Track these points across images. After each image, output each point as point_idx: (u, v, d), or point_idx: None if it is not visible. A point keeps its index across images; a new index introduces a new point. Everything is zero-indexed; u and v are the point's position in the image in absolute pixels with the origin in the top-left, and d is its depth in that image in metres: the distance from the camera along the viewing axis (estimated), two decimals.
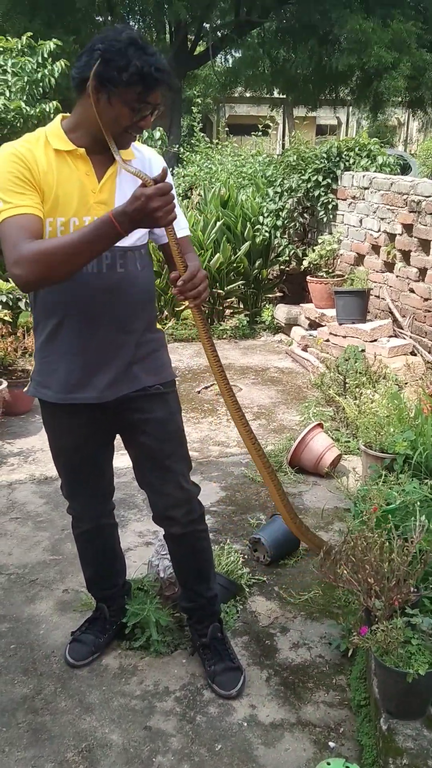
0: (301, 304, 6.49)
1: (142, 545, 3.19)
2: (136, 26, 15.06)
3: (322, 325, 5.90)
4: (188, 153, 9.57)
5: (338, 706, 2.29)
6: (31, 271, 1.68)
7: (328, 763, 1.88)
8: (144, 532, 3.30)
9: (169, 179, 1.77)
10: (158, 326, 2.24)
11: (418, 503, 2.44)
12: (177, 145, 11.11)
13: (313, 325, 6.16)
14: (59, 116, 1.99)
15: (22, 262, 1.68)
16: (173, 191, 1.69)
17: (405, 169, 12.75)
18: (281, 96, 16.66)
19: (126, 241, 1.95)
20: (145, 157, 2.03)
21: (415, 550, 2.14)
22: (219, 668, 2.33)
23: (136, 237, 2.00)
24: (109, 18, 13.90)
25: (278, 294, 7.26)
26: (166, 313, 6.64)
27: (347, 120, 25.00)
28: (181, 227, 2.06)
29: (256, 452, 2.16)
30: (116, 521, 2.54)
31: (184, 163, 9.55)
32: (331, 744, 2.14)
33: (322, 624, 2.67)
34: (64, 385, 2.07)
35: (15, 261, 1.69)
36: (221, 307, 6.85)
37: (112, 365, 2.05)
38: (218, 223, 6.54)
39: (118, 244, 1.92)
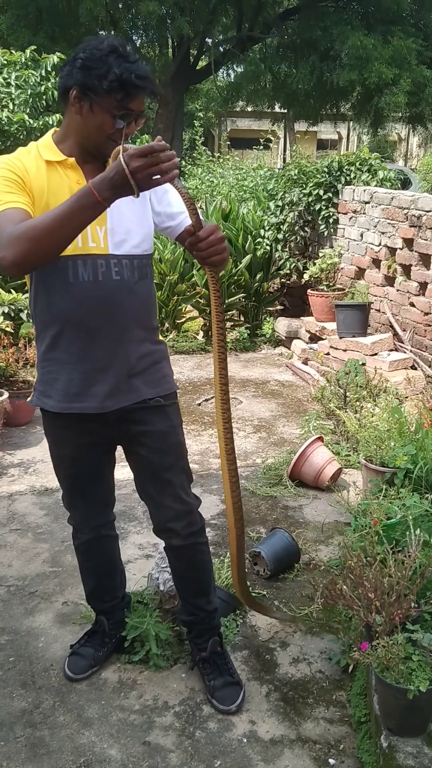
0: (301, 318, 6.51)
1: (142, 558, 3.18)
2: (139, 41, 15.22)
3: (323, 339, 5.91)
4: (190, 166, 9.62)
5: (338, 723, 2.28)
6: (16, 250, 1.64)
7: None
8: (144, 545, 3.30)
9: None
10: (160, 338, 2.24)
11: (414, 517, 2.43)
12: (179, 159, 11.17)
13: (314, 338, 6.17)
14: (51, 130, 2.03)
15: (7, 242, 1.66)
16: (165, 154, 1.55)
17: (405, 184, 12.82)
18: (282, 110, 16.78)
19: (121, 249, 1.97)
20: None
21: (415, 565, 2.14)
22: (218, 683, 2.31)
23: (132, 245, 1.99)
24: (113, 32, 14.02)
25: (279, 307, 7.28)
26: (167, 325, 6.65)
27: (348, 134, 25.18)
28: (185, 215, 1.99)
29: (230, 488, 2.07)
30: (117, 533, 2.54)
31: (186, 176, 9.60)
32: (331, 761, 2.13)
33: (323, 639, 2.66)
34: (65, 394, 2.07)
35: (1, 245, 1.67)
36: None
37: (110, 375, 2.05)
38: None
39: (112, 251, 1.93)
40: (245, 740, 2.20)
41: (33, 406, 4.77)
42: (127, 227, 1.98)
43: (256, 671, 2.49)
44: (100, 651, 2.48)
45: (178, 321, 6.77)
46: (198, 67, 15.72)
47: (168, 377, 2.22)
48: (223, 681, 2.33)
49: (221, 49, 15.45)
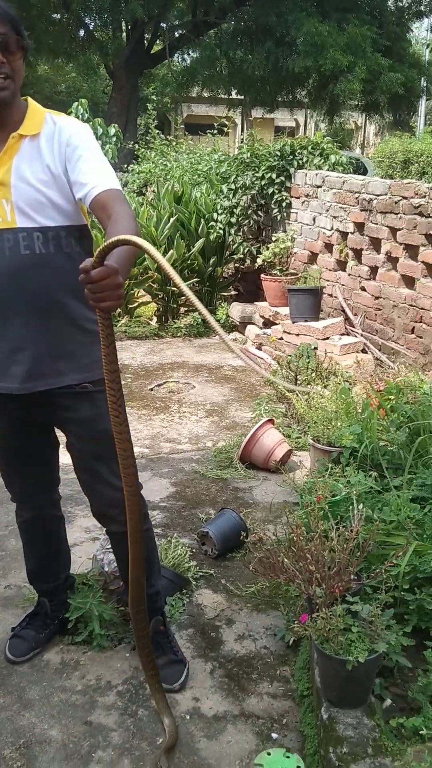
0: (255, 303, 6.51)
1: (89, 540, 3.15)
2: (93, 24, 14.97)
3: (276, 324, 5.92)
4: (144, 150, 9.52)
5: (282, 697, 2.29)
6: None
7: (269, 753, 1.87)
8: (91, 528, 3.26)
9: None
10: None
11: (358, 494, 2.45)
12: (132, 143, 11.05)
13: (268, 323, 6.18)
14: None
15: None
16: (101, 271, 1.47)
17: (361, 171, 12.92)
18: (239, 97, 16.71)
19: (30, 222, 1.89)
20: (55, 127, 1.94)
21: (357, 539, 2.15)
22: (162, 662, 2.30)
23: (44, 216, 1.91)
24: (65, 15, 13.78)
25: (233, 292, 7.27)
26: (119, 309, 6.57)
27: (305, 122, 25.20)
28: (95, 184, 1.88)
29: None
30: (62, 514, 2.50)
31: (140, 160, 9.51)
32: (274, 735, 2.13)
33: (268, 615, 2.67)
34: None
35: None
36: (175, 305, 6.82)
37: (27, 356, 1.98)
38: (172, 219, 6.51)
39: (21, 224, 1.87)
40: (188, 717, 2.19)
41: None
42: (36, 199, 1.90)
43: (201, 649, 2.48)
44: (42, 633, 2.44)
45: (131, 306, 6.71)
46: (153, 52, 15.55)
47: (100, 362, 2.14)
48: (167, 659, 2.32)
49: (176, 34, 15.31)
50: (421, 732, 1.79)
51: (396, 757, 1.80)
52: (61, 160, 1.90)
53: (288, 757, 1.86)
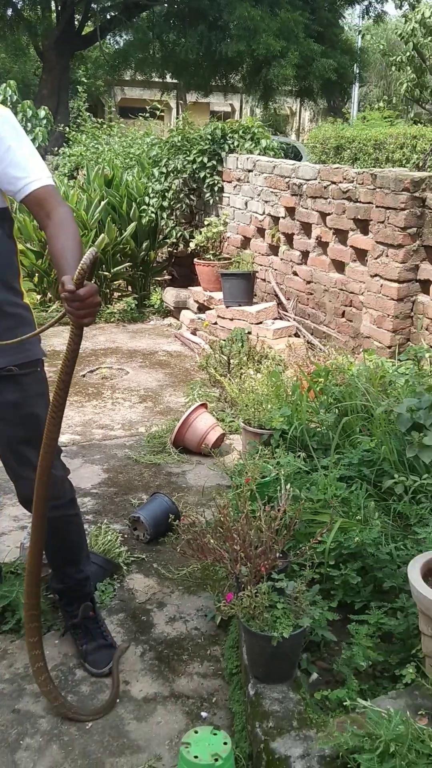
0: (189, 287, 6.50)
1: (17, 529, 3.10)
2: (20, 2, 14.58)
3: (210, 308, 5.93)
4: (75, 133, 9.36)
5: (212, 677, 2.31)
6: None
7: (196, 731, 1.89)
8: (20, 516, 3.21)
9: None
10: (25, 301, 2.14)
11: (285, 474, 2.48)
12: (63, 125, 10.83)
13: (202, 308, 6.18)
14: None
15: None
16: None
17: (296, 157, 13.01)
18: (173, 80, 16.56)
19: None
20: None
21: (284, 519, 2.18)
22: (91, 647, 2.29)
23: None
24: None
25: (167, 277, 7.23)
26: (49, 295, 6.47)
27: (240, 107, 25.20)
28: (30, 179, 1.90)
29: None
30: None
31: (71, 143, 9.34)
32: (204, 714, 2.16)
33: (200, 597, 2.68)
34: None
35: None
36: (108, 290, 6.74)
37: None
38: (102, 203, 6.42)
39: None
40: (118, 700, 2.19)
41: None
42: None
43: (132, 633, 2.48)
44: None
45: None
46: (84, 33, 15.23)
47: (27, 344, 2.09)
48: (96, 644, 2.31)
49: (107, 15, 15.03)
50: (344, 703, 1.83)
51: (320, 729, 1.84)
52: None
53: (215, 734, 1.87)
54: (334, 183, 4.71)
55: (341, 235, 4.75)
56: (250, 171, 5.80)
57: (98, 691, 2.22)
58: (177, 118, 20.53)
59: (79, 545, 2.35)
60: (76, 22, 14.80)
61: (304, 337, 5.09)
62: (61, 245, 1.81)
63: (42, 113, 9.06)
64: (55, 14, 14.67)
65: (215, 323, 5.71)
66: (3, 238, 1.99)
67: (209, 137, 6.11)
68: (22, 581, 2.45)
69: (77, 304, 1.60)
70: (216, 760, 1.79)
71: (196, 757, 1.79)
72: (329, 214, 4.80)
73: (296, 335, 5.19)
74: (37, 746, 2.02)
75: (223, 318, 5.59)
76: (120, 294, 6.90)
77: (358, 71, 15.89)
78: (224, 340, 5.07)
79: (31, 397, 2.10)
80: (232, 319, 5.46)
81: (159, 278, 7.17)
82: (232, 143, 6.10)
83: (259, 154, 6.00)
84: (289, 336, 5.16)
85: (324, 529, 2.24)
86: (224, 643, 2.44)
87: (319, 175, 4.88)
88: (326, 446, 3.02)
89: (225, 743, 1.84)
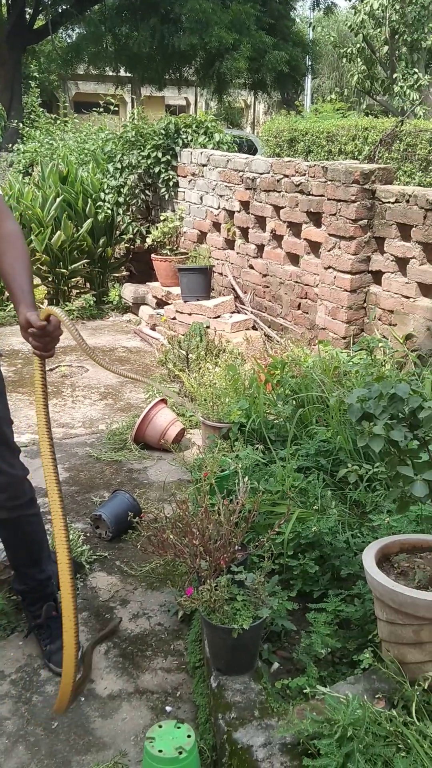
0: (148, 283, 6.48)
1: None
2: None
3: (169, 303, 5.92)
4: (29, 129, 9.24)
5: (176, 671, 2.33)
6: None
7: (160, 726, 1.90)
8: None
9: None
10: None
11: (243, 467, 2.51)
12: (16, 121, 10.69)
13: (161, 303, 6.17)
14: None
15: None
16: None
17: (251, 150, 13.04)
18: (127, 74, 16.44)
19: None
20: None
21: (242, 511, 2.21)
22: (54, 647, 2.29)
23: None
24: None
25: (125, 273, 7.20)
26: (6, 294, 6.40)
27: (195, 101, 25.12)
28: None
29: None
30: None
31: (25, 139, 9.22)
32: (168, 708, 2.18)
33: (162, 592, 2.70)
34: None
35: None
36: (66, 287, 6.69)
37: None
38: (58, 200, 6.36)
39: None
40: (83, 699, 2.20)
41: None
42: None
43: (96, 631, 2.49)
44: None
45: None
46: (36, 27, 15.02)
47: None
48: (60, 644, 2.30)
49: (59, 9, 14.85)
50: (305, 691, 1.87)
51: (281, 717, 1.87)
52: None
53: (179, 727, 1.90)
54: (286, 176, 4.75)
55: (295, 228, 4.79)
56: (204, 165, 5.81)
57: None
58: (132, 111, 20.44)
59: (40, 545, 2.35)
60: (27, 16, 14.59)
61: (261, 329, 5.13)
62: (10, 264, 1.88)
63: None
64: (5, 8, 14.43)
65: (174, 318, 5.72)
66: None
67: (163, 132, 6.10)
68: None
69: (46, 339, 1.81)
70: (180, 753, 1.81)
71: (160, 751, 1.81)
72: (283, 207, 4.84)
73: (254, 328, 5.23)
74: (3, 748, 2.02)
75: (182, 313, 5.59)
76: (78, 291, 6.85)
77: (310, 63, 15.98)
78: (183, 335, 5.08)
79: None
80: (190, 314, 5.47)
81: (117, 274, 7.14)
82: (186, 138, 6.09)
83: (212, 149, 6.01)
84: (247, 329, 5.20)
85: (282, 520, 2.27)
86: (187, 637, 2.46)
87: (272, 168, 4.91)
88: (284, 438, 3.07)
89: (189, 736, 1.86)
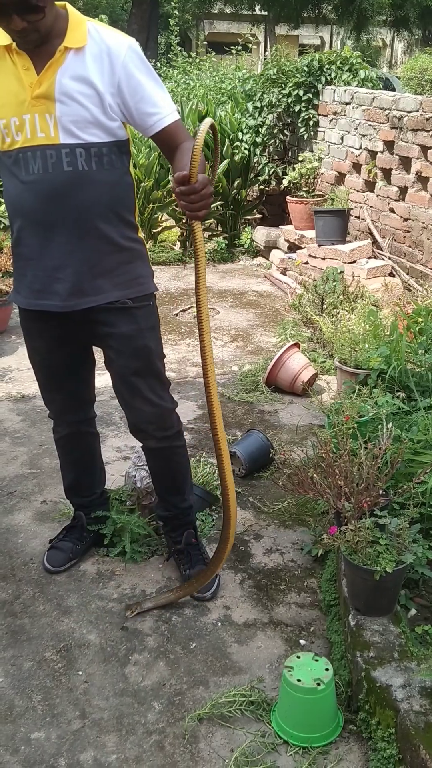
0: (280, 226, 6.40)
1: (120, 459, 3.22)
2: None
3: (302, 248, 5.84)
4: (165, 68, 9.22)
5: (309, 607, 2.37)
6: None
7: (298, 657, 1.95)
8: (122, 447, 3.33)
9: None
10: (139, 235, 2.16)
11: (386, 414, 2.46)
12: (153, 60, 10.69)
13: (293, 247, 6.09)
14: None
15: None
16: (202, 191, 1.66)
17: (388, 89, 12.43)
18: (262, 13, 16.01)
19: (73, 138, 1.87)
20: (103, 43, 1.87)
21: (385, 457, 2.18)
22: (193, 572, 2.38)
23: (88, 133, 1.88)
24: None
25: (258, 216, 7.14)
26: (143, 234, 6.51)
27: (331, 40, 24.15)
28: (162, 115, 1.92)
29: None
30: (97, 431, 2.55)
31: (162, 78, 9.22)
32: (302, 641, 2.22)
33: (295, 531, 2.73)
34: (30, 291, 2.06)
35: None
36: None
37: (70, 273, 2.00)
38: None
39: (63, 140, 1.86)
40: (219, 624, 2.28)
41: (6, 316, 4.71)
42: (80, 115, 1.86)
43: (231, 561, 2.56)
44: (79, 545, 2.53)
45: (154, 231, 6.63)
46: None
47: (141, 278, 2.14)
48: (198, 570, 2.40)
49: None
50: None
51: (421, 662, 1.87)
52: (113, 82, 1.86)
53: (317, 660, 1.94)
54: None
55: None
56: (347, 104, 5.60)
57: (200, 614, 2.32)
58: (265, 52, 19.92)
59: (185, 475, 2.43)
60: None
61: (399, 276, 4.97)
62: (179, 160, 1.88)
63: None
64: None
65: (306, 263, 5.63)
66: (123, 171, 2.01)
67: (306, 69, 5.91)
68: (129, 508, 2.57)
69: (194, 196, 1.64)
70: (318, 684, 1.85)
71: (299, 680, 1.86)
72: (431, 147, 4.60)
73: (391, 275, 5.06)
74: (145, 662, 2.14)
75: (315, 257, 5.50)
76: (210, 234, 6.87)
77: None
78: (317, 280, 5.00)
79: (144, 330, 2.15)
80: (324, 258, 5.37)
81: (249, 217, 7.08)
82: (329, 75, 5.88)
83: (357, 86, 5.77)
84: (384, 275, 5.04)
85: (425, 470, 2.22)
86: (320, 576, 2.49)
87: (422, 106, 4.66)
88: (425, 387, 2.98)
89: (327, 669, 1.90)
